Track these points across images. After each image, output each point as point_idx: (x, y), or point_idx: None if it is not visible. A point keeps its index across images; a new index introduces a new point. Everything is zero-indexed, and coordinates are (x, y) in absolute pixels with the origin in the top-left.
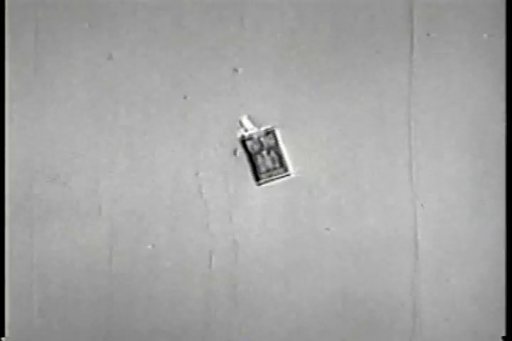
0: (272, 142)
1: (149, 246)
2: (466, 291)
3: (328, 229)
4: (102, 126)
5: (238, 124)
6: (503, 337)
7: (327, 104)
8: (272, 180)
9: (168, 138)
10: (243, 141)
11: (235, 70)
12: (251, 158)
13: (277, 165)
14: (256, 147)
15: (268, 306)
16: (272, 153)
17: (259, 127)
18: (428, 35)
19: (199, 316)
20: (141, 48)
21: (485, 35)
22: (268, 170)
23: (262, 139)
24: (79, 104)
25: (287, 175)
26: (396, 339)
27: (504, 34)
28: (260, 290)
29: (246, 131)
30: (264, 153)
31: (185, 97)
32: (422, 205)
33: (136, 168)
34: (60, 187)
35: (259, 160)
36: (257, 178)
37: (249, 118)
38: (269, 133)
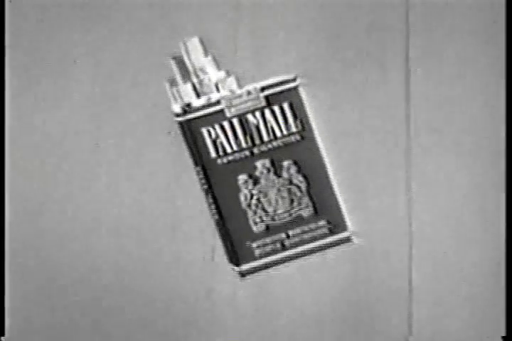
0: (289, 132)
1: None
2: (465, 291)
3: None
4: (101, 127)
5: (173, 70)
6: (503, 337)
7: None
8: (292, 256)
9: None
10: (185, 124)
11: None
12: (210, 187)
13: (309, 208)
14: (232, 149)
15: None
16: (288, 169)
17: (238, 80)
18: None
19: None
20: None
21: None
22: (270, 231)
23: (251, 120)
24: (79, 104)
25: (344, 242)
26: (394, 338)
27: (504, 34)
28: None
29: (197, 93)
30: (260, 167)
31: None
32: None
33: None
34: (60, 189)
35: (243, 192)
36: (236, 259)
37: (203, 43)
38: (277, 97)
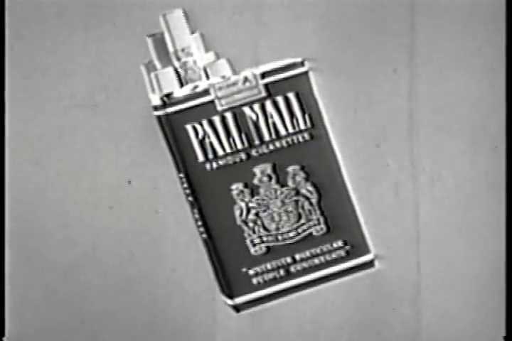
0: (295, 130)
1: None
2: (465, 291)
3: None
4: (102, 127)
5: (151, 51)
6: (504, 337)
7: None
8: (299, 286)
9: None
10: (165, 120)
11: None
12: (197, 199)
13: (320, 225)
14: (225, 151)
15: None
16: (295, 176)
17: (232, 64)
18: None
19: None
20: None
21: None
22: (272, 255)
23: (248, 114)
24: (78, 104)
25: (365, 267)
26: (395, 338)
27: (504, 34)
28: None
29: (180, 80)
30: (259, 174)
31: None
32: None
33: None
34: (58, 189)
35: (238, 205)
36: (230, 290)
37: (189, 17)
38: (281, 86)
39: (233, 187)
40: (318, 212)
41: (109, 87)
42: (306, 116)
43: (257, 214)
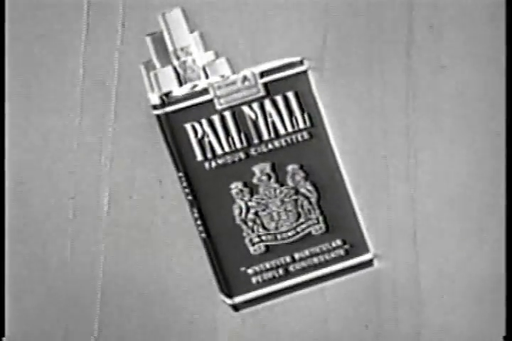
0: (294, 129)
1: None
2: (465, 291)
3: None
4: (102, 127)
5: (150, 50)
6: (504, 337)
7: None
8: (298, 285)
9: None
10: (164, 119)
11: None
12: (196, 198)
13: (319, 224)
14: (223, 150)
15: None
16: (294, 175)
17: (231, 63)
18: (431, 26)
19: None
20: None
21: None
22: (271, 254)
23: (247, 113)
24: (78, 103)
25: (364, 266)
26: (394, 338)
27: (504, 34)
28: None
29: (179, 79)
30: (258, 173)
31: None
32: None
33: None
34: (58, 189)
35: (237, 204)
36: (229, 289)
37: (188, 16)
38: (280, 85)
39: (232, 186)
40: (317, 211)
41: (109, 85)
42: (306, 115)
43: (256, 214)
